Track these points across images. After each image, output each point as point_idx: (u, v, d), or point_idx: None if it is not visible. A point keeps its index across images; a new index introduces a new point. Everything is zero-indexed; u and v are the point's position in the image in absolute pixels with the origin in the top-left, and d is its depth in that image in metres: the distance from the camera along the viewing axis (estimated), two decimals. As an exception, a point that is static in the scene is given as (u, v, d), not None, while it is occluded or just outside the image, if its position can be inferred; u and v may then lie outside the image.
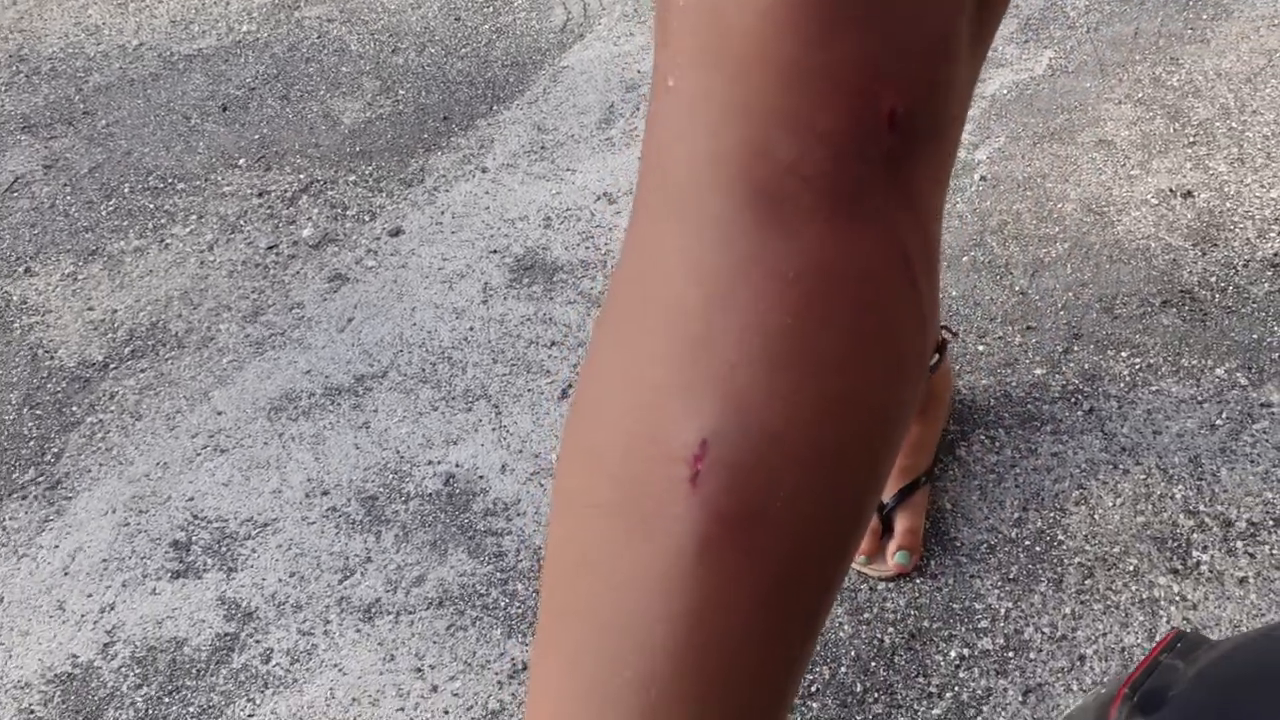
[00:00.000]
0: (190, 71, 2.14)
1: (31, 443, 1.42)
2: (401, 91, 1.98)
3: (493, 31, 2.11)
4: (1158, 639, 0.61)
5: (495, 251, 1.59)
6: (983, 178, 1.55)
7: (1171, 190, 1.46)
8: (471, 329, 1.47)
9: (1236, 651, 0.57)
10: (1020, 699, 0.99)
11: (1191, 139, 1.55)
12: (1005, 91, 1.70)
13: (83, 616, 1.20)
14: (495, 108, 1.90)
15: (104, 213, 1.81)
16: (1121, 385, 1.23)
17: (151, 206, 1.80)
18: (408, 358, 1.44)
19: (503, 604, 1.15)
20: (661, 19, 0.35)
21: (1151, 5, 1.84)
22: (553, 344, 1.43)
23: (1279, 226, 1.38)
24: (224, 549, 1.25)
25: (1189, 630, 0.62)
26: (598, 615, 0.34)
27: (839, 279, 0.33)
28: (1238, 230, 1.39)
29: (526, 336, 1.44)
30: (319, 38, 2.18)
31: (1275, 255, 1.35)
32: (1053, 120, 1.63)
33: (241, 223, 1.74)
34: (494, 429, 1.32)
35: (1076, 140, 1.58)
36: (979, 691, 1.00)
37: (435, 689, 1.08)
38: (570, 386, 1.36)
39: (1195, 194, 1.45)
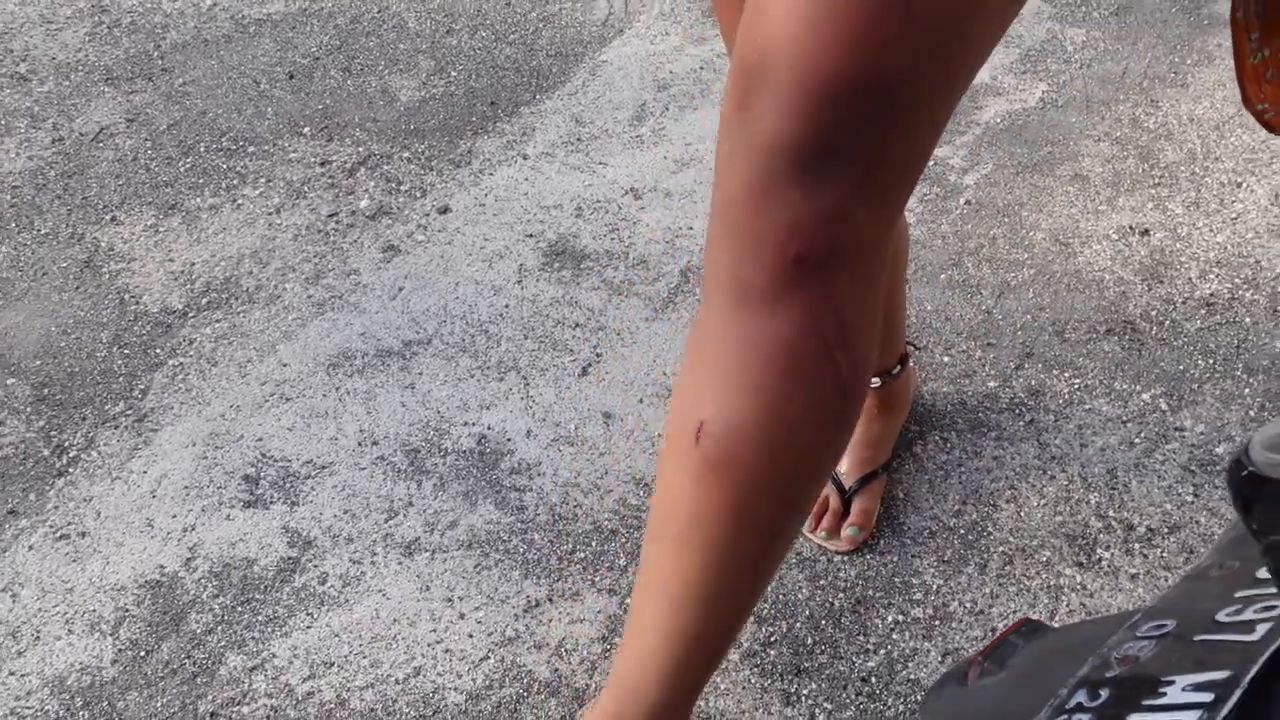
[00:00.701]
0: (260, 36, 2.33)
1: (121, 379, 1.64)
2: (454, 73, 2.17)
3: (540, 20, 2.29)
4: (1010, 624, 0.83)
5: (531, 235, 1.80)
6: (968, 202, 1.74)
7: (1131, 228, 1.66)
8: (507, 306, 1.68)
9: (1062, 634, 0.78)
10: (940, 659, 1.21)
11: (1157, 180, 1.73)
12: (999, 120, 1.89)
13: (168, 534, 1.43)
14: (538, 96, 2.09)
15: (182, 169, 2.01)
16: (1060, 402, 1.44)
17: (225, 167, 2.01)
18: (450, 328, 1.65)
19: (521, 550, 1.37)
20: (716, 180, 0.65)
21: (1143, 45, 2.02)
22: (577, 325, 1.64)
23: (1219, 269, 1.58)
24: (288, 485, 1.47)
25: (1034, 619, 0.83)
26: (662, 511, 0.73)
27: (772, 345, 0.64)
28: (1183, 269, 1.59)
29: (555, 317, 1.65)
30: (379, 12, 2.37)
31: (1211, 295, 1.54)
32: (1037, 152, 1.81)
33: (306, 189, 1.94)
34: (522, 398, 1.54)
35: (1055, 173, 1.77)
36: (907, 651, 1.22)
37: (462, 616, 1.31)
38: (589, 366, 1.57)
39: (1151, 233, 1.64)
